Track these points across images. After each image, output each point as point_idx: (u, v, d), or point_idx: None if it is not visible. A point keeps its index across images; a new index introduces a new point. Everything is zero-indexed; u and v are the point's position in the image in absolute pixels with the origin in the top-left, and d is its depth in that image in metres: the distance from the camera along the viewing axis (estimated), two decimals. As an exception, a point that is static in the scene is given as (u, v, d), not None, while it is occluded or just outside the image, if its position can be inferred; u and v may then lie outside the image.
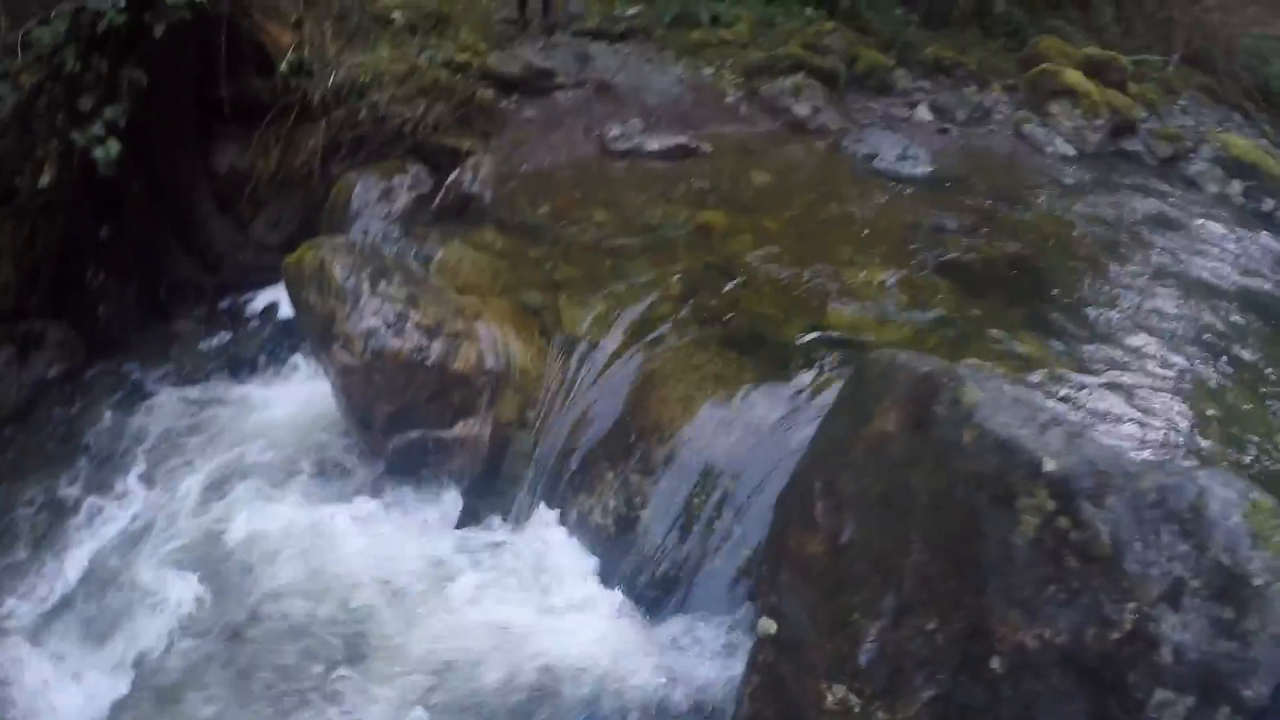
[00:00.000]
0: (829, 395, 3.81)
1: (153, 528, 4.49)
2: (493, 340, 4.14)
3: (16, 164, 5.66)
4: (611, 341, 4.28)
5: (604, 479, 3.84)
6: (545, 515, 3.95)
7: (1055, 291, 5.04)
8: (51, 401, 5.65)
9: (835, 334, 4.39)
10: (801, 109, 6.97)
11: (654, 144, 6.00)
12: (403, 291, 3.98)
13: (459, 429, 4.01)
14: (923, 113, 7.74)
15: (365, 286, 3.91)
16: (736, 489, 3.68)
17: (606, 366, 4.19)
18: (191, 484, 4.64)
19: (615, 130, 6.07)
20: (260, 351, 5.48)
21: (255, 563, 4.06)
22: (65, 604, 4.36)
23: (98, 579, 4.38)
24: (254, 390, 5.24)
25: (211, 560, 4.14)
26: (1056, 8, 9.94)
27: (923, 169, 6.56)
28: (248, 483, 4.46)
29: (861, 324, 4.54)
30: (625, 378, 4.09)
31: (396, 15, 6.65)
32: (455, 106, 6.01)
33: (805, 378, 3.99)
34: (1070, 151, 7.47)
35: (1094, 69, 8.26)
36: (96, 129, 4.94)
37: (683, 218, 5.35)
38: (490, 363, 4.08)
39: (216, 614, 3.92)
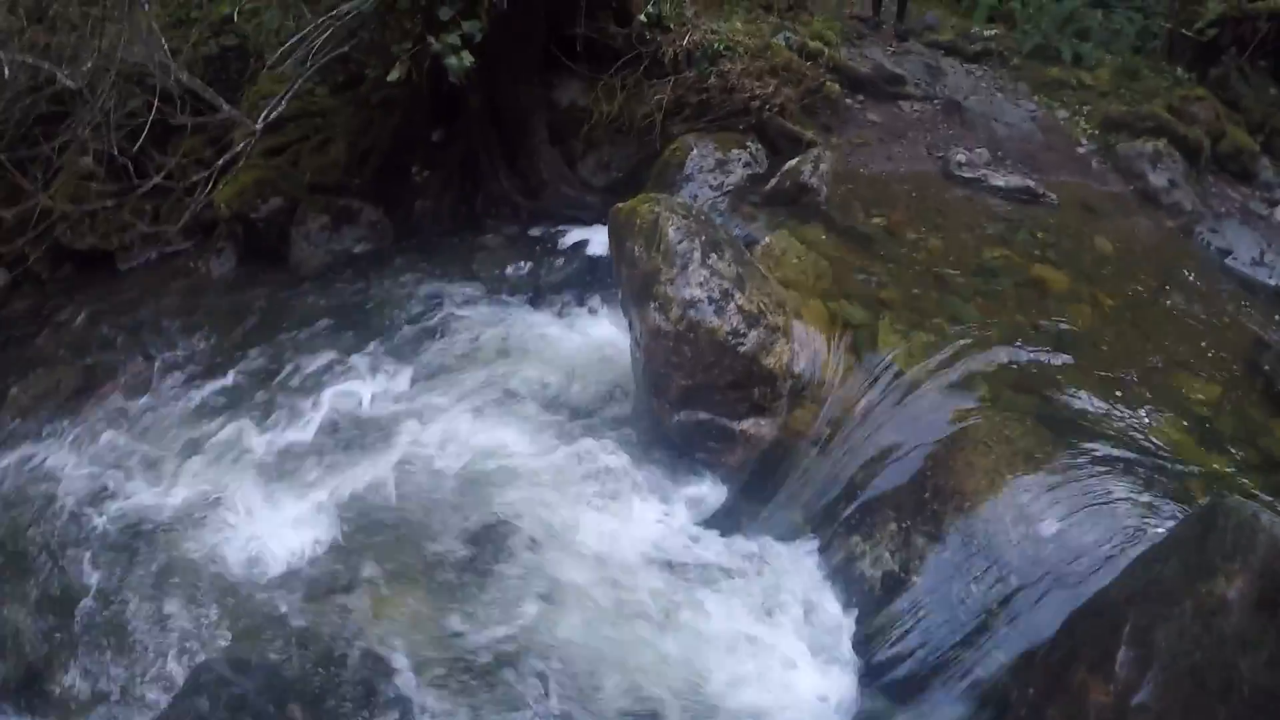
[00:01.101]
0: (1143, 518, 3.31)
1: (392, 411, 4.47)
2: (806, 344, 3.77)
3: (369, 58, 5.78)
4: (925, 381, 3.82)
5: (885, 527, 3.43)
6: (807, 544, 3.58)
7: None
8: (350, 273, 5.81)
9: (1156, 447, 3.79)
10: (1157, 179, 6.15)
11: (999, 179, 5.42)
12: (732, 270, 3.65)
13: (749, 425, 3.69)
14: (1284, 214, 6.69)
15: (696, 254, 3.61)
16: (1019, 590, 3.20)
17: (914, 405, 3.73)
18: (449, 384, 4.60)
19: (961, 155, 5.53)
20: (560, 285, 5.37)
21: (468, 477, 3.96)
22: (295, 448, 4.39)
23: (329, 435, 4.42)
24: (543, 320, 5.14)
25: (426, 460, 4.07)
26: None
27: (1277, 281, 5.66)
28: (503, 403, 4.38)
29: (1184, 444, 3.91)
30: (933, 425, 3.64)
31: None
32: (802, 94, 5.66)
33: (1119, 488, 3.45)
34: None
35: None
36: (453, 38, 4.88)
37: (1019, 266, 4.77)
38: (799, 366, 3.73)
39: (400, 503, 3.87)
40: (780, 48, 5.98)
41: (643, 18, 5.54)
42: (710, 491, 3.79)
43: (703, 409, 3.66)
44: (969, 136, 5.87)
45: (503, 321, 5.11)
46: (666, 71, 5.50)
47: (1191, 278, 5.45)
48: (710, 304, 3.53)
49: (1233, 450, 3.98)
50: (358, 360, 4.93)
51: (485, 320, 5.15)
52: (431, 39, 5.12)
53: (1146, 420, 3.98)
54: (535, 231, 5.68)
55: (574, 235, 5.42)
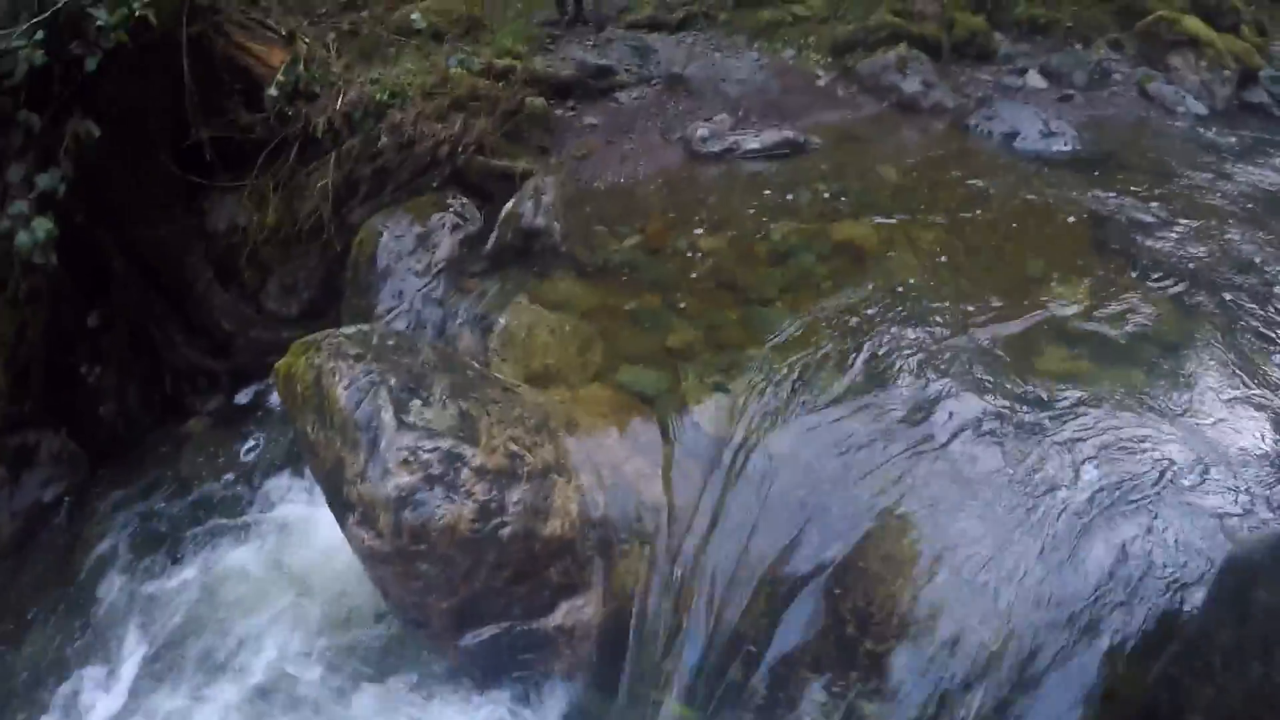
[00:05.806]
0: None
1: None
2: (596, 466, 2.32)
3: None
4: (776, 444, 2.45)
5: (809, 699, 2.03)
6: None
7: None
8: (50, 530, 3.98)
9: (1082, 401, 2.65)
10: (910, 85, 5.10)
11: (752, 142, 4.17)
12: (449, 413, 2.16)
13: (563, 614, 2.21)
14: (1035, 79, 5.82)
15: (387, 415, 2.10)
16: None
17: (777, 488, 2.36)
18: (190, 665, 2.92)
19: (702, 130, 4.25)
20: (289, 455, 3.71)
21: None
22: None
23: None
24: (282, 510, 3.50)
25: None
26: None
27: (1070, 146, 4.73)
28: (253, 679, 2.74)
29: (1089, 375, 2.79)
30: (813, 509, 2.27)
31: (416, 17, 4.81)
32: (501, 119, 4.20)
33: (1074, 496, 2.25)
34: (1202, 110, 5.69)
35: (1205, 13, 6.36)
36: (19, 206, 3.21)
37: (816, 235, 3.52)
38: (598, 506, 2.26)
39: None
40: (461, 75, 4.51)
41: (273, 91, 3.95)
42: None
43: (491, 622, 2.16)
44: (703, 108, 4.60)
45: (230, 530, 3.45)
46: (325, 148, 3.93)
47: (992, 174, 4.38)
48: (431, 486, 2.03)
49: (1136, 357, 2.91)
50: (74, 660, 3.18)
51: (209, 535, 3.48)
52: (-2, 215, 3.41)
53: (1039, 356, 2.88)
54: (243, 398, 4.00)
55: (284, 387, 3.78)
